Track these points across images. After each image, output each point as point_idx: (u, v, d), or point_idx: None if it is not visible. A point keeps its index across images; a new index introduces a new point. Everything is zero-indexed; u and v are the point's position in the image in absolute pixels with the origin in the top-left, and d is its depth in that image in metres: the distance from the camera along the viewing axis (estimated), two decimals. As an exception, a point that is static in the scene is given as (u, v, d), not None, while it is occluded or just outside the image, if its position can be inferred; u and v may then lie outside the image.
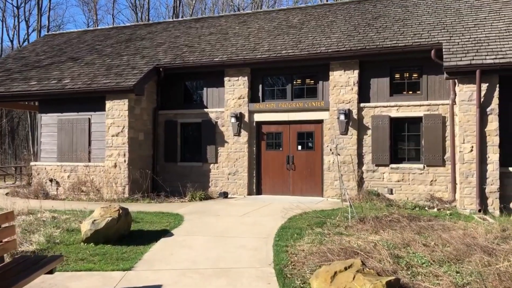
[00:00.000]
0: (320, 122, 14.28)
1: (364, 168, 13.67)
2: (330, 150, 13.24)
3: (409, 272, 6.13)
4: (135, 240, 8.46)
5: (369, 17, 15.78)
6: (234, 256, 7.34)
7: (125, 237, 8.61)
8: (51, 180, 15.77)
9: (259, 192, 14.96)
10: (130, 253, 7.52)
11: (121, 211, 8.56)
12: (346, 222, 9.45)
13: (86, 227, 8.08)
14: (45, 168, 15.93)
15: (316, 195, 14.21)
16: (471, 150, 11.29)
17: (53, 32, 26.46)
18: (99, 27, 24.57)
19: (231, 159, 14.98)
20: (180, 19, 22.94)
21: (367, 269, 5.37)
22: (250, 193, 14.84)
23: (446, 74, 11.53)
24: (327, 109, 14.06)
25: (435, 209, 11.92)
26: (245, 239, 8.48)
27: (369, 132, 13.62)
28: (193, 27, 19.11)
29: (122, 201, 14.18)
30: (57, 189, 15.72)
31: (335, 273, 5.21)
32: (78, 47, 19.50)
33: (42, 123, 16.27)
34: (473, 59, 11.25)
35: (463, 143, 11.39)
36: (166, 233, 9.08)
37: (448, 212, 11.31)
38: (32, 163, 16.70)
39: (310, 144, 14.56)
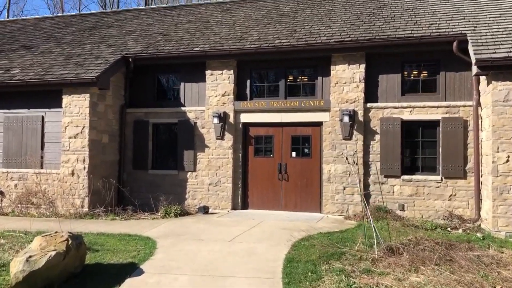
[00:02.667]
0: (318, 124, 12.17)
1: (371, 179, 11.62)
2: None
3: None
4: (90, 282, 6.08)
5: (372, 6, 13.82)
6: (232, 312, 5.08)
7: (76, 277, 6.24)
8: (-6, 190, 13.08)
9: (245, 206, 12.70)
10: (79, 309, 5.16)
11: (70, 242, 6.17)
12: (369, 252, 7.33)
13: (17, 267, 5.66)
14: (-13, 175, 13.21)
15: (313, 211, 12.07)
16: (507, 161, 9.38)
17: (6, 19, 23.48)
18: (59, 14, 21.79)
19: (212, 166, 12.69)
20: (153, 6, 20.54)
21: None
22: (234, 207, 12.57)
23: (477, 69, 9.60)
24: (328, 110, 11.97)
25: (460, 230, 9.97)
26: (241, 280, 6.22)
27: (377, 137, 11.60)
28: (168, 15, 16.75)
29: (80, 216, 11.69)
30: (1, 200, 13.03)
31: None
32: (34, 34, 16.83)
33: (-15, 121, 13.55)
34: (510, 51, 9.37)
35: (497, 151, 9.47)
36: (133, 269, 6.72)
37: (478, 235, 9.36)
38: (-29, 169, 13.94)
39: (306, 151, 12.41)
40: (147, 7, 20.42)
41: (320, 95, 12.23)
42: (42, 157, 12.86)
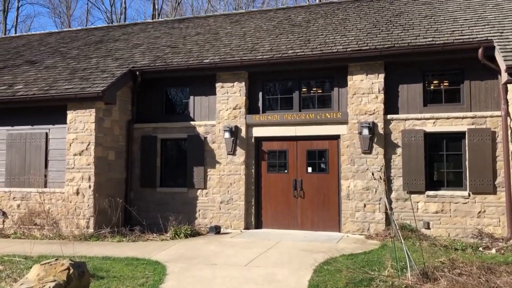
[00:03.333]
0: (335, 138, 11.53)
1: (393, 196, 10.92)
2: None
3: None
4: (93, 316, 5.44)
5: (388, 14, 13.27)
6: None
7: (77, 310, 5.58)
8: (-5, 211, 12.50)
9: (259, 225, 12.02)
10: None
11: (72, 270, 5.53)
12: (401, 277, 6.62)
13: (11, 302, 5.03)
14: (-11, 195, 12.65)
15: (331, 230, 11.36)
16: (544, 174, 8.68)
17: (11, 35, 23.22)
18: (65, 29, 21.47)
19: (224, 183, 12.05)
20: (160, 19, 20.15)
21: None
22: (247, 226, 11.89)
23: (508, 76, 8.96)
24: (345, 122, 11.34)
25: (493, 250, 9.22)
26: (263, 313, 5.54)
27: (399, 150, 10.93)
28: (176, 27, 16.31)
29: (85, 238, 11.06)
30: (3, 221, 12.45)
31: None
32: (39, 50, 16.44)
33: (-13, 139, 13.05)
34: (543, 57, 8.74)
35: (532, 164, 8.77)
36: (141, 300, 6.06)
37: (515, 255, 8.61)
38: (-27, 189, 13.40)
39: (323, 166, 11.76)
40: (154, 20, 20.05)
41: (336, 107, 11.62)
42: (45, 176, 12.30)
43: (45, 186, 12.26)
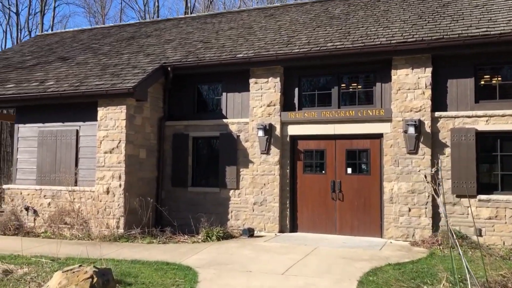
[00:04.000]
0: (378, 136, 10.78)
1: (440, 199, 10.06)
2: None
3: None
4: (118, 330, 4.95)
5: (434, 5, 12.37)
6: None
7: (102, 322, 5.11)
8: (27, 209, 12.32)
9: (294, 228, 11.39)
10: None
11: (95, 279, 5.08)
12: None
13: (29, 313, 4.60)
14: (21, 193, 12.50)
15: (372, 235, 10.63)
16: None
17: (46, 33, 23.34)
18: (98, 26, 21.39)
19: (257, 184, 11.48)
20: (193, 15, 19.72)
21: None
22: (282, 229, 11.29)
23: None
24: (389, 120, 10.56)
25: (557, 262, 8.29)
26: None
27: (447, 150, 10.09)
28: (209, 22, 15.85)
29: (114, 239, 10.72)
30: (34, 219, 12.27)
31: None
32: (71, 46, 16.30)
33: (19, 136, 12.89)
34: None
35: None
36: (170, 312, 5.55)
37: None
38: (4, 186, 13.32)
39: (364, 166, 11.03)
40: (186, 16, 19.64)
41: (379, 103, 10.85)
42: (76, 174, 12.04)
43: (76, 185, 12.01)
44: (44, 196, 12.23)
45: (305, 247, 9.37)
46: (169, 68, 12.14)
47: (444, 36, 10.00)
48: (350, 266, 7.62)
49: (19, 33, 35.86)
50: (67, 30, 19.38)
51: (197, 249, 9.30)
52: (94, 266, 5.35)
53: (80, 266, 5.35)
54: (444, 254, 8.69)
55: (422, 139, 10.16)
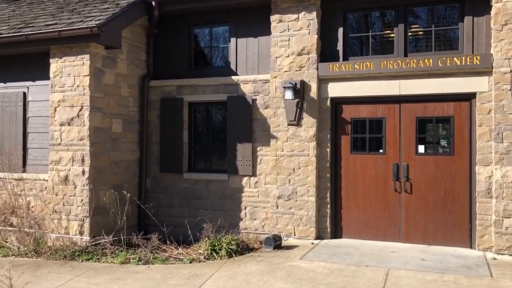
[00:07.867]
0: (467, 98, 7.17)
1: None
2: None
3: None
4: None
5: None
6: None
7: None
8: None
9: (337, 233, 7.90)
10: None
11: None
12: None
13: None
14: (-51, 182, 8.96)
15: (456, 245, 7.15)
16: None
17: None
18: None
19: (283, 169, 7.92)
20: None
21: None
22: (320, 235, 7.79)
23: None
24: (487, 72, 6.94)
25: None
26: None
27: None
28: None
29: (73, 253, 7.26)
30: (-32, 219, 8.75)
31: None
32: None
33: None
34: None
35: None
36: None
37: None
38: None
39: (443, 143, 7.45)
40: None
41: (469, 47, 7.20)
42: (24, 155, 8.50)
43: (24, 170, 8.50)
44: (-19, 186, 8.68)
45: (369, 271, 5.87)
46: (153, 3, 8.43)
47: None
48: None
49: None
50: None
51: (198, 278, 5.78)
52: None
53: None
54: None
55: (544, 101, 6.57)
